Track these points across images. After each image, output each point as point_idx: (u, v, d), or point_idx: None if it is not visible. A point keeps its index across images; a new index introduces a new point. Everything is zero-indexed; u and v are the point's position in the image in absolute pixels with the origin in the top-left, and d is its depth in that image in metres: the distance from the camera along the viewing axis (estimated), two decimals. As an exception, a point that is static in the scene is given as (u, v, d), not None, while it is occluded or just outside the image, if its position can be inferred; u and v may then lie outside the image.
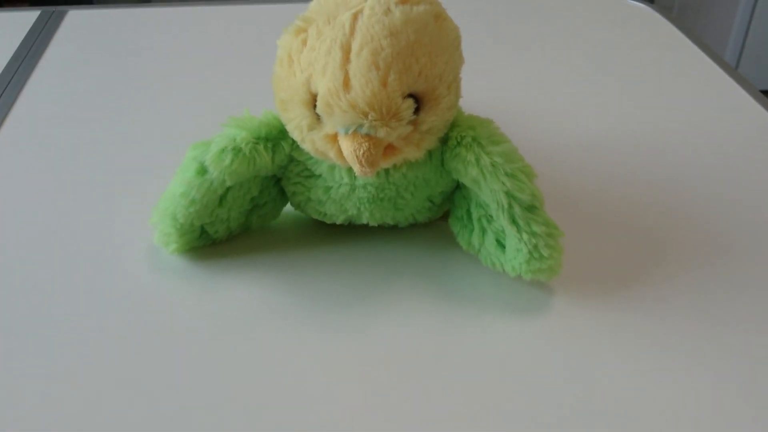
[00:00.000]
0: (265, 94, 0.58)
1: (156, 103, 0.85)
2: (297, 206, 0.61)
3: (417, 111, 0.51)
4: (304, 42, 0.51)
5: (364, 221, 0.59)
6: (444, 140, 0.56)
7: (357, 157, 0.49)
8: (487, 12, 1.09)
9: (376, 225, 0.60)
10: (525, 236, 0.54)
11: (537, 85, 0.90)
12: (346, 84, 0.49)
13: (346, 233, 0.63)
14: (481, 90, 0.67)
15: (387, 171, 0.55)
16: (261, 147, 0.55)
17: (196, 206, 0.57)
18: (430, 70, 0.51)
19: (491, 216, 0.57)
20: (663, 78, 0.92)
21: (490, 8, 1.10)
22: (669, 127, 0.81)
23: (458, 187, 0.60)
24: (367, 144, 0.49)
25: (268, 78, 0.56)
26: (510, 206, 0.54)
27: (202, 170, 0.56)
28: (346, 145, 0.50)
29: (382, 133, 0.49)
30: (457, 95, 0.54)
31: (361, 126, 0.49)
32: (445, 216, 0.63)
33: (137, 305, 0.57)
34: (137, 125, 0.80)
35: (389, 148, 0.52)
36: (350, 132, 0.50)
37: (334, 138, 0.52)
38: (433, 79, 0.51)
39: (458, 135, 0.55)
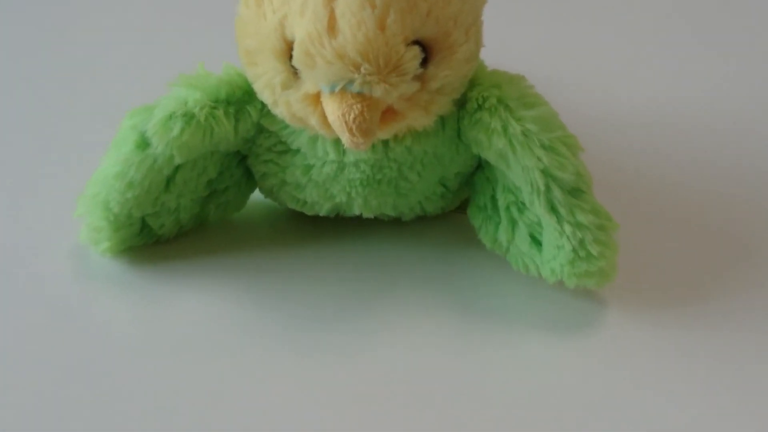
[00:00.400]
0: (225, 44, 0.55)
1: (82, 59, 0.78)
2: (268, 192, 0.55)
3: (425, 63, 0.46)
4: (277, -28, 0.47)
5: (357, 211, 0.53)
6: (461, 103, 0.50)
7: (346, 123, 0.45)
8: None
9: (372, 216, 0.54)
10: (568, 228, 0.49)
11: (588, 37, 0.84)
12: (332, 26, 0.44)
13: (333, 228, 0.57)
14: (510, 42, 0.66)
15: (386, 143, 0.50)
16: (220, 112, 0.50)
17: (135, 191, 0.51)
18: (442, 10, 0.46)
19: (523, 203, 0.51)
20: (763, 36, 0.84)
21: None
22: (764, 98, 0.74)
23: (480, 166, 0.54)
24: (359, 106, 0.45)
25: (229, 23, 0.50)
26: (548, 189, 0.49)
27: (144, 143, 0.50)
28: (333, 108, 0.45)
29: (378, 91, 0.45)
30: (478, 44, 0.49)
31: (351, 82, 0.45)
32: (464, 206, 0.56)
33: (59, 322, 0.51)
34: (57, 89, 0.73)
35: (389, 113, 0.47)
36: (337, 90, 0.45)
37: (316, 99, 0.47)
38: (446, 22, 0.46)
39: (479, 96, 0.50)
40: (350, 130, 0.45)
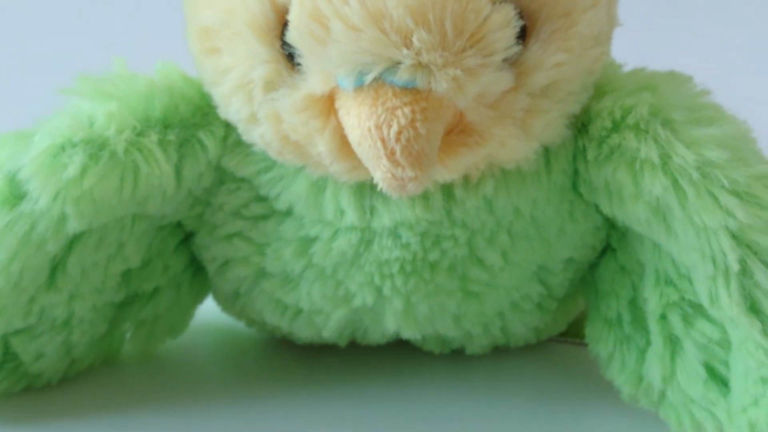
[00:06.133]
0: (156, 27, 0.49)
1: None
2: (230, 299, 0.41)
3: (523, 38, 0.33)
4: None
5: (390, 327, 0.38)
6: (581, 125, 0.36)
7: (384, 141, 0.31)
8: None
9: (416, 339, 0.40)
10: (784, 350, 0.35)
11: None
12: None
13: (342, 368, 0.41)
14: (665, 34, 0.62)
15: (449, 191, 0.35)
16: (152, 141, 0.36)
17: None
18: None
19: (693, 305, 0.36)
20: None
21: None
22: None
23: (609, 248, 0.39)
24: (408, 110, 0.31)
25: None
26: (745, 270, 0.34)
27: (13, 195, 0.35)
28: (360, 117, 0.31)
29: (444, 81, 0.31)
30: (611, 16, 0.36)
31: (394, 67, 0.31)
32: (573, 331, 0.43)
33: None
34: None
35: (457, 131, 0.33)
36: (368, 83, 0.31)
37: (327, 105, 0.33)
38: None
39: (617, 106, 0.35)
40: (390, 155, 0.30)
